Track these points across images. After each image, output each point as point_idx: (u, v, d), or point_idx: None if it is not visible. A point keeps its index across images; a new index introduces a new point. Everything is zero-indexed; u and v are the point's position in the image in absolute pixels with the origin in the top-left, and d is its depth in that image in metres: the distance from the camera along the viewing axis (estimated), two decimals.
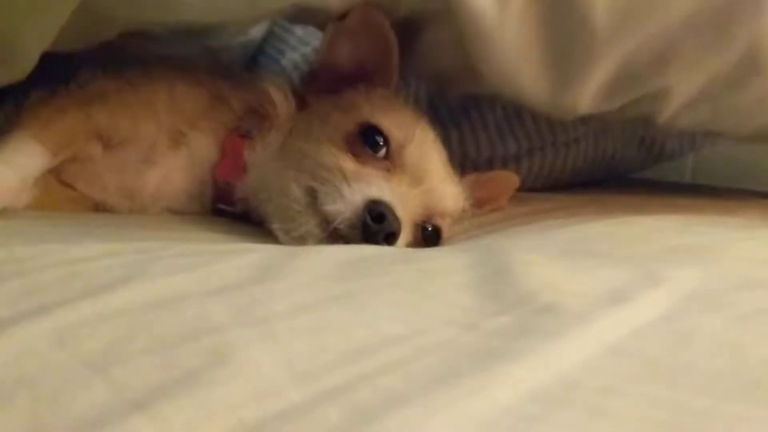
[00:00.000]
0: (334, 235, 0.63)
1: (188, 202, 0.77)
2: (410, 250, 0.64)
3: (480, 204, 0.85)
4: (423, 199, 0.71)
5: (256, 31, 1.15)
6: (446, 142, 1.01)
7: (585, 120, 1.09)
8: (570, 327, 0.42)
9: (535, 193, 1.06)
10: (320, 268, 0.52)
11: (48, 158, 0.71)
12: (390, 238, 0.63)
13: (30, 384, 0.34)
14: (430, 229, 0.73)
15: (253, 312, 0.42)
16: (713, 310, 0.48)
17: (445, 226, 0.74)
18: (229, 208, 0.75)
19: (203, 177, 0.76)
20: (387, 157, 0.70)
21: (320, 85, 0.77)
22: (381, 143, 0.70)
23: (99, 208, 0.77)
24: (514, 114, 1.07)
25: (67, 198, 0.76)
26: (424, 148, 0.73)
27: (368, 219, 0.62)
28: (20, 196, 0.70)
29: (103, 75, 0.80)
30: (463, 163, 1.02)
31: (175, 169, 0.76)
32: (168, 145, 0.76)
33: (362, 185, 0.64)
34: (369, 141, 0.70)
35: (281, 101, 0.76)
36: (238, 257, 0.53)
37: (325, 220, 0.63)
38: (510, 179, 0.93)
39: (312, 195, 0.65)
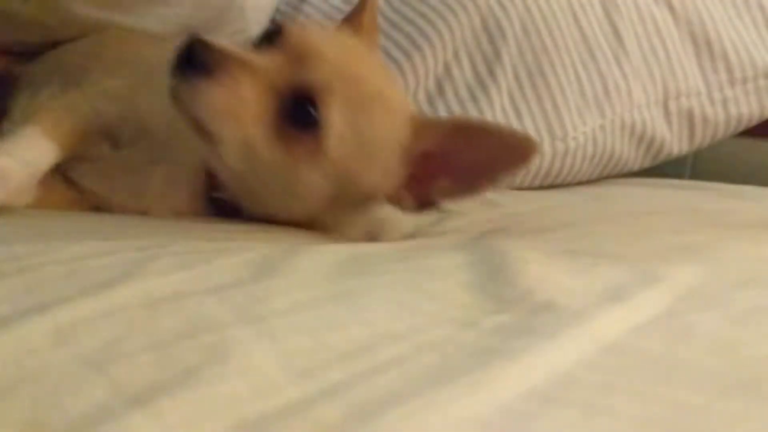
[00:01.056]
0: None
1: (189, 199, 0.76)
2: (408, 248, 0.64)
3: (458, 172, 0.68)
4: (294, 67, 0.63)
5: (255, 29, 1.14)
6: None
7: (584, 117, 1.10)
8: (568, 325, 0.42)
9: (534, 191, 1.06)
10: (319, 266, 0.52)
11: (58, 155, 0.70)
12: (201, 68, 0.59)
13: (29, 381, 0.34)
14: (308, 107, 0.62)
15: (251, 310, 0.42)
16: (711, 308, 0.48)
17: (334, 112, 0.63)
18: (222, 195, 0.73)
19: (200, 169, 0.75)
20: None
21: None
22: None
23: (100, 208, 0.76)
24: (513, 111, 1.07)
25: (68, 198, 0.76)
26: (320, 33, 0.66)
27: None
28: (26, 193, 0.69)
29: (112, 74, 0.80)
30: None
31: (179, 167, 0.75)
32: (173, 143, 0.75)
33: None
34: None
35: None
36: (237, 255, 0.53)
37: None
38: (521, 145, 0.66)
39: None
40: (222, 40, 0.87)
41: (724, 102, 1.18)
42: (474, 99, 1.07)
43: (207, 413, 0.32)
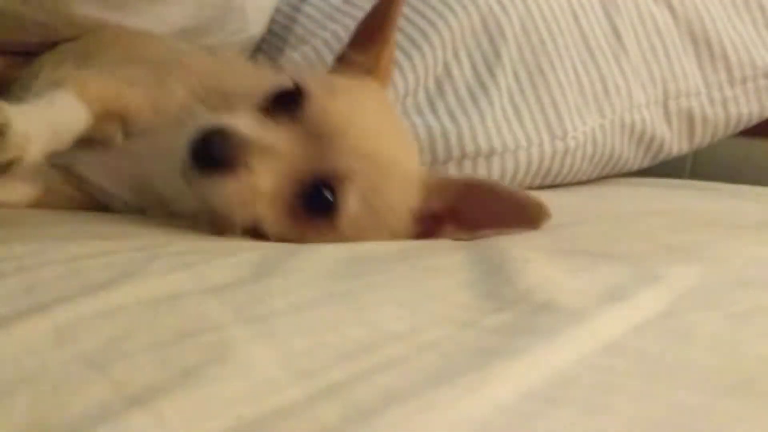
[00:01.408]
0: None
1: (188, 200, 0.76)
2: (407, 247, 0.64)
3: (466, 224, 0.70)
4: (316, 150, 0.62)
5: (256, 29, 1.15)
6: (444, 138, 1.01)
7: (584, 117, 1.10)
8: (568, 324, 0.42)
9: (533, 191, 1.06)
10: (318, 266, 0.52)
11: (88, 120, 0.68)
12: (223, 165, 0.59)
13: (29, 381, 0.34)
14: (325, 193, 0.62)
15: (252, 310, 0.43)
16: (711, 308, 0.48)
17: (351, 196, 0.63)
18: None
19: None
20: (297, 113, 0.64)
21: None
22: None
23: (101, 207, 0.76)
24: (513, 110, 1.07)
25: (68, 197, 0.76)
26: (339, 100, 0.65)
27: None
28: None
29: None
30: (462, 159, 1.03)
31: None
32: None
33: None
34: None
35: None
36: (237, 255, 0.53)
37: None
38: (534, 211, 0.68)
39: None
40: (221, 37, 0.87)
41: (724, 102, 1.18)
42: (474, 99, 1.06)
43: (207, 413, 0.32)
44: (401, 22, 1.11)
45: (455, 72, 1.09)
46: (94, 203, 0.77)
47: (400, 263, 0.54)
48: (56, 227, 0.65)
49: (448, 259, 0.56)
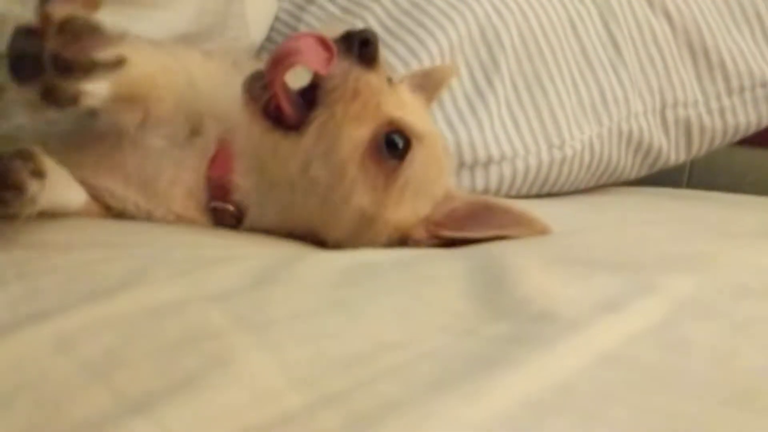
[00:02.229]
0: None
1: (190, 202, 0.74)
2: (406, 256, 0.64)
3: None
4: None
5: (256, 36, 1.15)
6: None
7: (581, 126, 1.11)
8: (564, 334, 0.42)
9: (531, 199, 1.06)
10: (319, 274, 0.52)
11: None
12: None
13: (30, 389, 0.35)
14: (397, 140, 0.69)
15: (252, 318, 0.43)
16: (707, 319, 0.48)
17: (416, 151, 0.71)
18: (226, 206, 0.73)
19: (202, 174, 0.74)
20: None
21: None
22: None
23: (104, 213, 0.75)
24: (511, 120, 1.08)
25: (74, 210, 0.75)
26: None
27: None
28: None
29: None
30: (460, 168, 1.03)
31: (185, 165, 0.73)
32: (190, 131, 0.73)
33: None
34: None
35: None
36: (237, 264, 0.53)
37: None
38: (537, 229, 0.73)
39: None
40: (222, 43, 0.86)
41: (722, 111, 1.19)
42: (472, 108, 1.07)
43: (208, 421, 0.32)
44: (400, 31, 1.12)
45: (453, 82, 1.09)
46: (100, 210, 0.75)
47: (399, 272, 0.55)
48: (56, 233, 0.65)
49: (446, 268, 0.57)
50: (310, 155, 0.68)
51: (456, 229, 0.73)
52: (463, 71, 1.10)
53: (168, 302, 0.44)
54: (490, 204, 0.76)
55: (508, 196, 1.05)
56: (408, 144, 0.70)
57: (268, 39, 1.19)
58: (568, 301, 0.48)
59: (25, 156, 0.58)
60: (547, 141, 1.08)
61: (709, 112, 1.19)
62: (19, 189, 0.57)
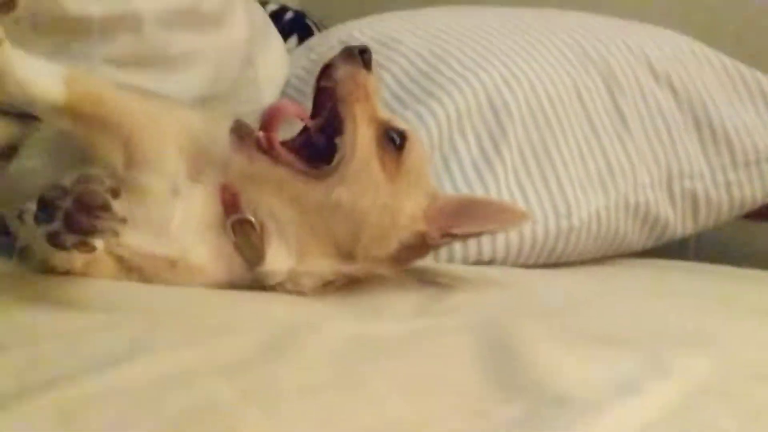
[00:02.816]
0: None
1: (209, 237, 0.75)
2: (415, 329, 0.63)
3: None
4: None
5: (268, 100, 1.16)
6: None
7: (588, 196, 1.11)
8: (579, 420, 0.41)
9: (538, 269, 1.05)
10: (327, 347, 0.52)
11: (63, 91, 0.68)
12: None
13: None
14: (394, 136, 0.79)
15: (260, 392, 0.42)
16: (724, 403, 0.47)
17: (412, 144, 0.81)
18: (245, 215, 0.75)
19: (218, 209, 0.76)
20: None
21: None
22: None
23: (113, 267, 0.73)
24: (518, 188, 1.08)
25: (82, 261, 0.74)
26: None
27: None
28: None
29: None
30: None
31: (197, 201, 0.75)
32: (188, 175, 0.75)
33: None
34: None
35: None
36: (244, 333, 0.52)
37: None
38: (517, 213, 0.87)
39: None
40: (235, 105, 0.89)
41: (728, 185, 1.19)
42: (479, 175, 1.07)
43: None
44: (408, 99, 1.14)
45: (461, 148, 1.10)
46: (109, 265, 0.72)
47: (409, 347, 0.54)
48: (61, 295, 0.64)
49: (456, 344, 0.56)
50: (340, 181, 0.75)
51: (453, 225, 0.81)
52: (471, 138, 1.11)
53: (173, 374, 0.43)
54: (474, 198, 0.91)
55: (515, 264, 1.05)
56: (403, 138, 0.80)
57: None
58: (583, 382, 0.47)
59: (96, 178, 0.60)
60: (554, 209, 1.08)
61: (716, 185, 1.19)
62: (106, 209, 0.59)
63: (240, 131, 0.74)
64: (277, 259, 0.76)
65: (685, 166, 1.18)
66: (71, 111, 0.69)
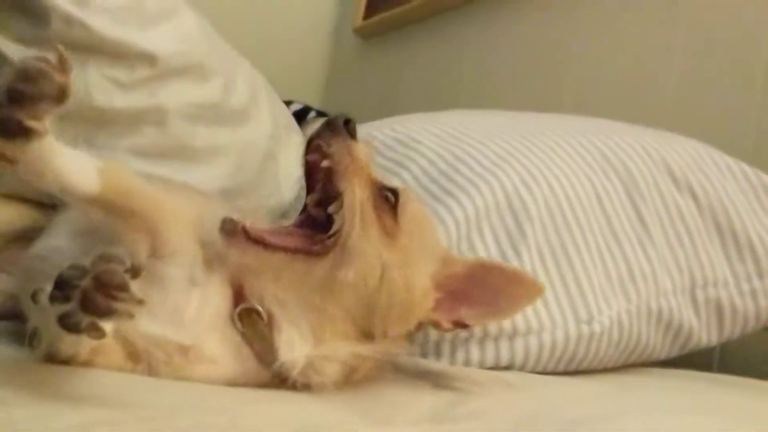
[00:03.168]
0: None
1: (223, 327, 0.74)
2: None
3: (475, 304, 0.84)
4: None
5: (287, 195, 1.17)
6: None
7: (609, 301, 1.08)
8: None
9: (558, 376, 1.01)
10: None
11: (97, 183, 0.68)
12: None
13: None
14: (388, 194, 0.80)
15: None
16: None
17: (407, 202, 0.81)
18: (253, 305, 0.74)
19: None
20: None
21: None
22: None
23: (120, 356, 0.72)
24: None
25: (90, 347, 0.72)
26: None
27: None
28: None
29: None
30: (484, 339, 0.99)
31: (213, 291, 0.75)
32: (205, 264, 0.75)
33: None
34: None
35: None
36: None
37: None
38: (530, 285, 0.85)
39: None
40: (255, 199, 0.91)
41: (753, 293, 1.16)
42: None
43: None
44: (427, 198, 1.13)
45: (479, 248, 1.09)
46: (120, 354, 0.71)
47: None
48: (59, 388, 0.61)
49: None
50: (343, 256, 0.75)
51: (466, 302, 0.82)
52: (489, 237, 1.10)
53: None
54: (486, 264, 0.88)
55: (534, 371, 1.01)
56: (396, 196, 0.81)
57: (298, 197, 1.20)
58: None
59: (116, 257, 0.59)
60: (574, 315, 1.05)
61: (741, 293, 1.16)
62: (124, 289, 0.57)
63: (227, 227, 0.74)
64: (291, 347, 0.74)
65: (708, 274, 1.15)
66: (103, 202, 0.70)
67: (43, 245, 0.87)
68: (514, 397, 0.84)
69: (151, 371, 0.72)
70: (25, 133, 0.59)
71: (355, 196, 0.77)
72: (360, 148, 0.80)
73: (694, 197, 1.20)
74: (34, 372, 0.66)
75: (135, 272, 0.59)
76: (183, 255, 0.74)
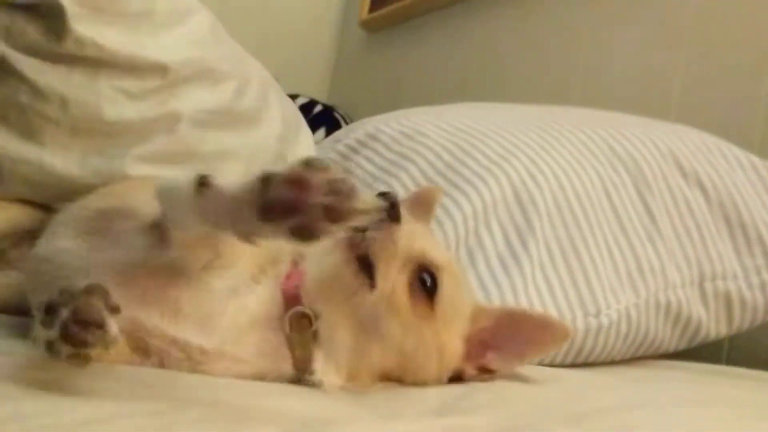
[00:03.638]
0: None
1: (256, 332, 0.74)
2: (441, 429, 0.60)
3: (503, 350, 0.84)
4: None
5: None
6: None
7: (617, 295, 1.07)
8: None
9: (566, 369, 1.01)
10: None
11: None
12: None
13: None
14: (426, 278, 0.77)
15: None
16: None
17: (444, 282, 0.78)
18: (303, 309, 0.75)
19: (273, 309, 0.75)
20: None
21: None
22: None
23: (128, 352, 0.71)
24: (545, 283, 1.05)
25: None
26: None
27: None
28: None
29: None
30: None
31: (252, 300, 0.75)
32: (252, 277, 0.75)
33: None
34: None
35: None
36: (260, 426, 0.50)
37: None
38: (558, 329, 0.85)
39: None
40: None
41: (762, 286, 1.15)
42: (505, 269, 1.05)
43: None
44: None
45: (487, 242, 1.09)
46: (134, 350, 0.71)
47: None
48: (69, 383, 0.61)
49: None
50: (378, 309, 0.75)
51: (494, 348, 0.83)
52: (497, 231, 1.10)
53: None
54: (514, 312, 0.88)
55: (542, 364, 1.01)
56: (434, 279, 0.78)
57: None
58: None
59: (99, 291, 0.59)
60: (582, 308, 1.05)
61: (750, 286, 1.15)
62: (101, 327, 0.57)
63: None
64: (326, 372, 0.75)
65: (717, 266, 1.15)
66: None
67: (48, 246, 0.86)
68: (521, 390, 0.84)
69: (163, 365, 0.72)
70: None
71: (387, 284, 0.75)
72: (402, 233, 0.77)
73: (703, 189, 1.20)
74: (43, 366, 0.67)
75: (114, 309, 0.59)
76: (232, 269, 0.74)
